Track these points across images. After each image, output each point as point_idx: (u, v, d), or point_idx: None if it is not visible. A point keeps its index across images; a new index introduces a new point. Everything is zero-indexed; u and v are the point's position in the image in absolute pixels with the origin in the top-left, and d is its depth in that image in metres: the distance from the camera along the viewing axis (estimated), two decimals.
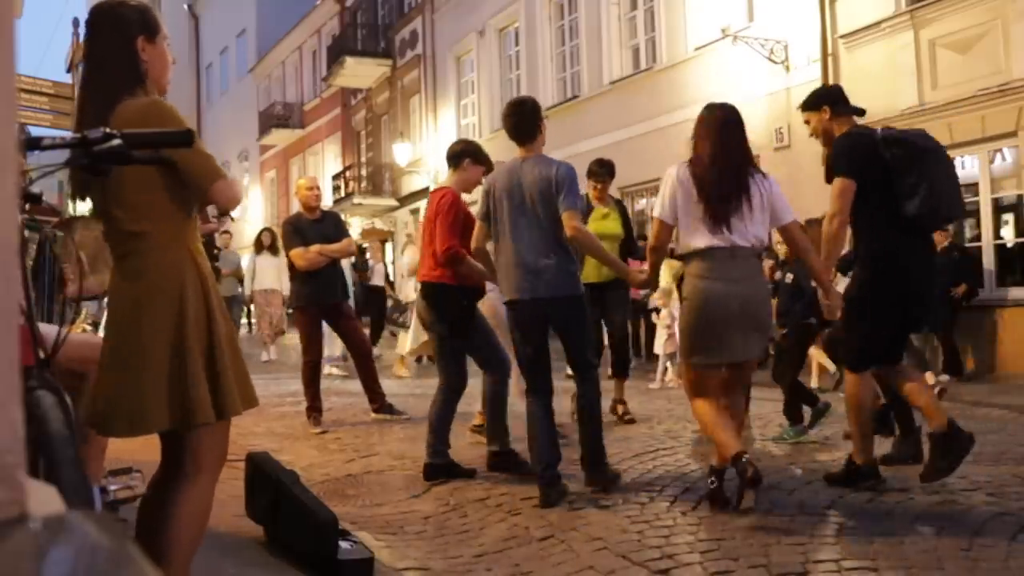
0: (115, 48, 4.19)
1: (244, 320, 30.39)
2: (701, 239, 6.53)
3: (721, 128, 6.80)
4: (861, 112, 7.48)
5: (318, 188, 12.22)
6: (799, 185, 15.58)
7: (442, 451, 8.19)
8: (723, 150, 6.67)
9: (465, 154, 8.64)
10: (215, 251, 5.42)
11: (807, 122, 7.70)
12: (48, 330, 3.64)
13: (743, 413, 7.19)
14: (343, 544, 5.54)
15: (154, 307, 3.99)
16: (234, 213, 4.17)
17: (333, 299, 11.55)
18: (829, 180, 7.09)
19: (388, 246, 40.29)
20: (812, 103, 7.51)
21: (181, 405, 3.97)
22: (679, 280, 6.93)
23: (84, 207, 9.20)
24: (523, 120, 7.56)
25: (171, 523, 4.10)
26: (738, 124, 6.87)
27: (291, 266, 11.71)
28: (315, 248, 11.25)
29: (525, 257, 7.34)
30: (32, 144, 3.47)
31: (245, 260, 22.98)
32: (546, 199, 7.22)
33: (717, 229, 6.48)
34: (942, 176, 6.98)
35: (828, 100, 7.44)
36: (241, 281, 22.62)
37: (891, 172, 6.92)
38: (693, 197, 6.59)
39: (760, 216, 6.62)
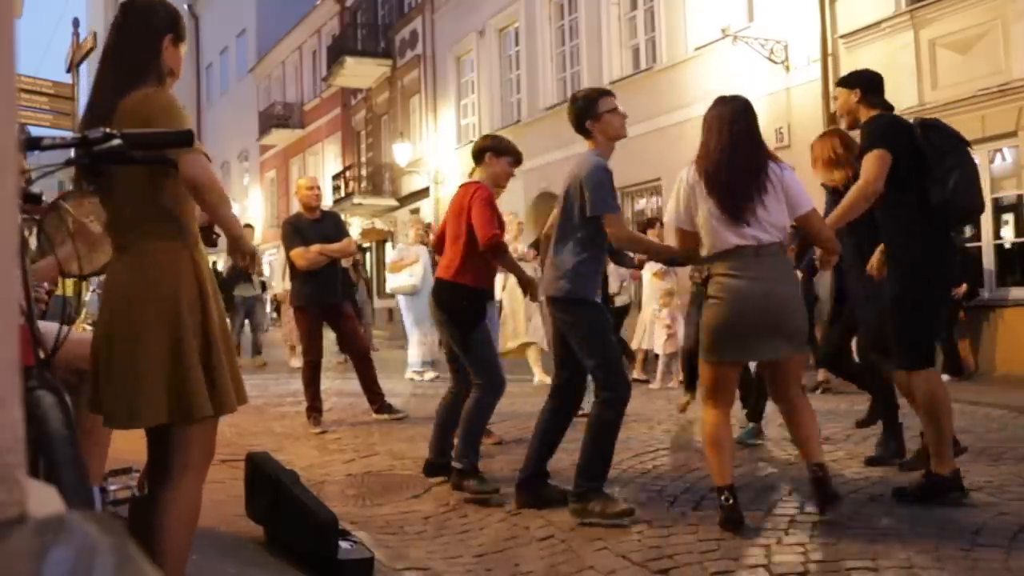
0: (143, 36, 4.31)
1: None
2: (724, 239, 6.32)
3: (730, 121, 6.50)
4: (890, 108, 7.36)
5: (318, 188, 12.29)
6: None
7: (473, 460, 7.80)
8: (731, 144, 6.40)
9: (485, 150, 8.53)
10: (214, 236, 5.30)
11: (835, 98, 7.69)
12: (48, 328, 3.66)
13: (813, 418, 6.92)
14: (343, 544, 5.55)
15: (149, 301, 4.06)
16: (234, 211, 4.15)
17: (333, 299, 11.56)
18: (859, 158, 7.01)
19: (387, 246, 40.48)
20: (848, 81, 7.45)
21: (179, 399, 4.02)
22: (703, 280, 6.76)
23: None
24: (572, 116, 7.42)
25: (162, 522, 4.12)
26: (746, 114, 6.58)
27: (291, 266, 11.73)
28: (315, 248, 11.28)
29: (550, 253, 7.27)
30: (32, 144, 3.51)
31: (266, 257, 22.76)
32: (569, 196, 7.09)
33: (738, 227, 6.28)
34: (972, 167, 6.92)
35: (863, 84, 7.32)
36: (263, 281, 22.30)
37: (925, 158, 6.81)
38: (705, 197, 6.39)
39: (777, 206, 6.35)
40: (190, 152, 3.98)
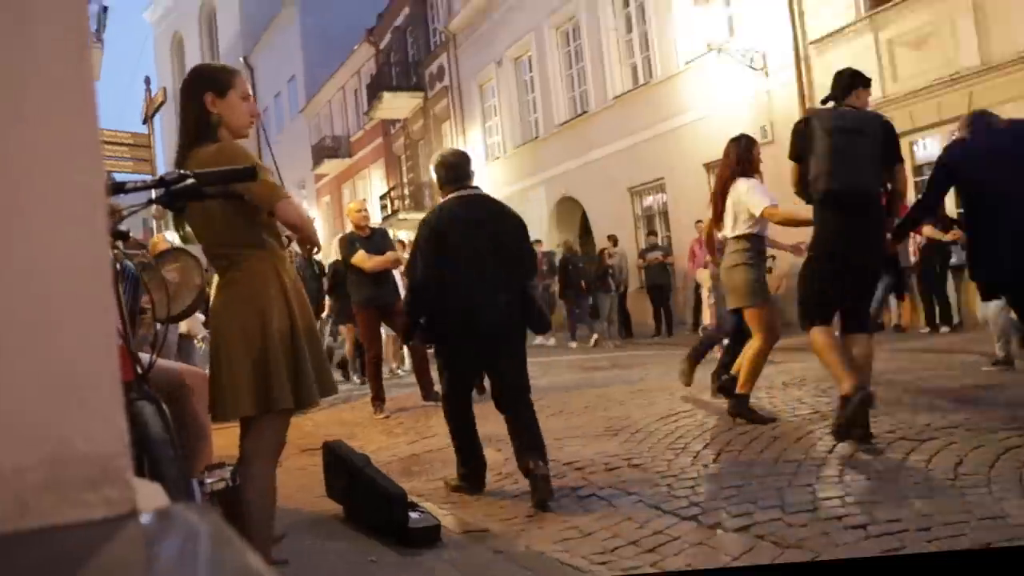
0: (187, 106, 4.37)
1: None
2: None
3: None
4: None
5: (366, 210, 12.35)
6: (782, 175, 15.51)
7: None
8: None
9: None
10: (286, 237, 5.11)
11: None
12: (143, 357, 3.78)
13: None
14: (412, 515, 5.57)
15: (241, 311, 4.15)
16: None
17: (388, 300, 11.58)
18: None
19: None
20: None
21: (265, 394, 4.12)
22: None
23: (173, 237, 9.33)
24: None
25: (243, 499, 4.21)
26: None
27: (348, 276, 11.79)
28: (379, 259, 11.36)
29: None
30: (117, 189, 3.65)
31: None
32: None
33: None
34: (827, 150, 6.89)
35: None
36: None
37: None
38: None
39: None
40: (283, 200, 4.15)
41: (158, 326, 4.71)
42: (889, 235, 7.19)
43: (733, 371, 8.66)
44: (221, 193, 3.91)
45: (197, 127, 4.29)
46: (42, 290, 1.01)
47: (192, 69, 4.54)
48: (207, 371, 4.38)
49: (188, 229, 4.50)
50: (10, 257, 1.00)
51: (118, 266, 4.36)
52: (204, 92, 4.32)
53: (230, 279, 4.23)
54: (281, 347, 4.16)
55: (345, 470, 6.19)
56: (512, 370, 6.62)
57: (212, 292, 4.40)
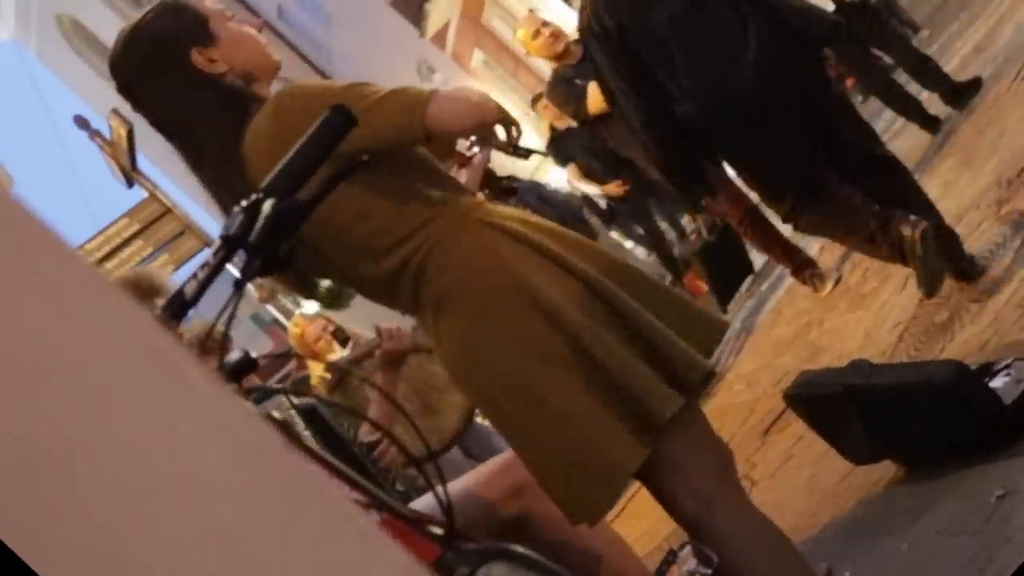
0: (172, 102, 3.84)
1: None
2: None
3: None
4: None
5: (546, 25, 11.77)
6: None
7: None
8: None
9: None
10: (507, 182, 5.15)
11: None
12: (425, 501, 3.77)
13: None
14: (994, 384, 5.09)
15: (493, 334, 3.60)
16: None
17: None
18: None
19: None
20: None
21: (640, 416, 3.53)
22: None
23: (312, 306, 9.46)
24: None
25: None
26: None
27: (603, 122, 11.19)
28: None
29: None
30: (176, 307, 3.14)
31: None
32: None
33: None
34: None
35: None
36: None
37: None
38: None
39: None
40: (432, 104, 3.50)
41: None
42: None
43: None
44: (328, 185, 3.25)
45: (222, 107, 3.78)
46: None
47: (121, 42, 3.88)
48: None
49: (323, 283, 4.09)
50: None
51: (277, 415, 4.21)
52: (181, 57, 3.75)
53: (437, 300, 3.64)
54: (607, 330, 3.55)
55: (846, 407, 5.67)
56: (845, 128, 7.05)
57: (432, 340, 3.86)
